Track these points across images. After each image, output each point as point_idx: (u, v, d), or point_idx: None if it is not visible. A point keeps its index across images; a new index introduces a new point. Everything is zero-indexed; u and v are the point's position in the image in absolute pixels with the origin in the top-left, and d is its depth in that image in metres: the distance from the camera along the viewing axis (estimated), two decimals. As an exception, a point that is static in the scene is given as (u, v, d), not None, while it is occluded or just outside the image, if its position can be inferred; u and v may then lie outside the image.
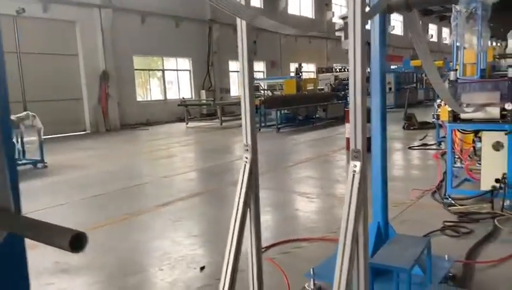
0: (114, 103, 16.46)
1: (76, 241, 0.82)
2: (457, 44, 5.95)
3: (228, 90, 22.19)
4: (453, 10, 5.15)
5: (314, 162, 8.19)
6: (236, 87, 22.10)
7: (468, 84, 4.53)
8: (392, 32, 32.93)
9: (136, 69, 18.25)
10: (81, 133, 15.56)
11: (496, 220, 4.10)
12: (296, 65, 20.71)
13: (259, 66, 25.33)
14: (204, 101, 19.00)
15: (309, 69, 27.89)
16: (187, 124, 16.73)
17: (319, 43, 27.75)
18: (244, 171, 1.98)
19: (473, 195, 4.71)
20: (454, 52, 5.93)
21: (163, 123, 18.06)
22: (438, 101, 5.54)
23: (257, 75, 23.54)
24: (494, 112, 4.34)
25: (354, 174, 1.73)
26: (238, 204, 1.94)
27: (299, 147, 10.49)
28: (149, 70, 19.52)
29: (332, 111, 15.94)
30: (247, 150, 1.99)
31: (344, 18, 1.78)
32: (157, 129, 16.16)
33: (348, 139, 8.15)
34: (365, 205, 1.78)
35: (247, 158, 1.99)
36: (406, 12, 2.45)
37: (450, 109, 4.43)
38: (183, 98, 18.27)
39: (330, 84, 20.49)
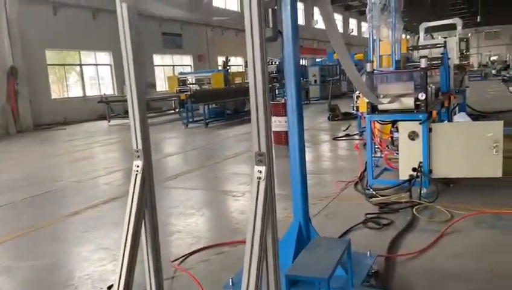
0: (25, 101, 15.01)
1: None
2: (374, 37, 6.06)
3: (154, 85, 21.29)
4: (368, 2, 5.20)
5: (242, 157, 7.99)
6: (162, 82, 21.29)
7: (384, 76, 4.57)
8: (316, 27, 33.90)
9: (50, 64, 16.84)
10: (-13, 136, 14.04)
11: (414, 209, 4.17)
12: (224, 58, 20.40)
13: (187, 60, 24.67)
14: (128, 97, 18.04)
15: (237, 63, 27.71)
16: (109, 122, 15.75)
17: (246, 36, 27.58)
18: (135, 183, 1.66)
19: (392, 185, 4.78)
20: (370, 44, 6.02)
21: (83, 122, 16.86)
22: (357, 92, 5.58)
23: (184, 69, 22.88)
24: (409, 102, 4.41)
25: (259, 181, 1.51)
26: (129, 224, 1.61)
27: (228, 142, 10.26)
28: (64, 65, 18.11)
29: (261, 104, 15.85)
30: (138, 156, 1.68)
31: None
32: (76, 128, 15.02)
33: (274, 133, 8.15)
34: (273, 214, 1.57)
35: (138, 166, 1.67)
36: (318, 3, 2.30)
37: (367, 100, 4.42)
38: (105, 94, 17.19)
39: (258, 78, 20.39)
